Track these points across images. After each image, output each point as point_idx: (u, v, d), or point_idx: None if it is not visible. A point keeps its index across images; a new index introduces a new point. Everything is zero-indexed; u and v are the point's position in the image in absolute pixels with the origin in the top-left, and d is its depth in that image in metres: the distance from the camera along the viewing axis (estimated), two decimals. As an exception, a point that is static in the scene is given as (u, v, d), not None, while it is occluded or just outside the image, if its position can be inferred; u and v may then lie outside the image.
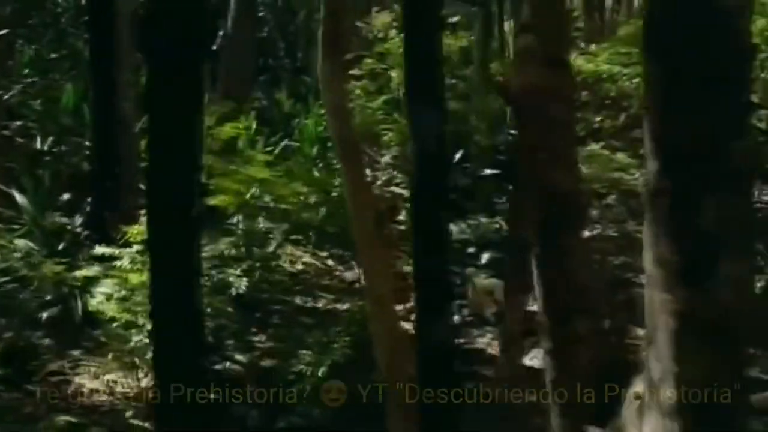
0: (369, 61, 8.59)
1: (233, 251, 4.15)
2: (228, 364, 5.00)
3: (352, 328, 4.10)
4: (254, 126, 9.38)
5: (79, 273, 4.43)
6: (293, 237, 7.67)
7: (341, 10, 3.79)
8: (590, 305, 3.22)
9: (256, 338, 5.25)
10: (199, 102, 2.45)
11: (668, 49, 2.02)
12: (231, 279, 4.12)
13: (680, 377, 2.09)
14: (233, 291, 4.11)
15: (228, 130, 4.64)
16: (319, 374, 3.90)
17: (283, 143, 9.14)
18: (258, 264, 4.18)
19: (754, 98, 9.45)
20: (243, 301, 4.81)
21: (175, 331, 2.44)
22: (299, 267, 7.03)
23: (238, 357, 5.00)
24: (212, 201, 4.34)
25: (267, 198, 4.28)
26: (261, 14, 16.90)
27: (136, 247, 4.11)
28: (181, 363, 2.46)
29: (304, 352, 4.08)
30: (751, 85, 2.07)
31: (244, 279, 4.08)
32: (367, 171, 8.64)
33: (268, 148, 8.72)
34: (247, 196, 4.29)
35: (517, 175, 7.87)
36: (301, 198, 4.39)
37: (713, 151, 1.97)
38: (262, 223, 4.20)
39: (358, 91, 8.39)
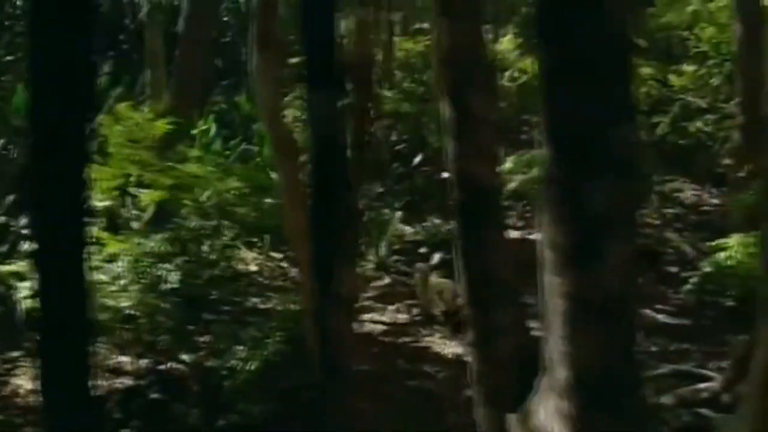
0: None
1: (169, 247, 4.15)
2: (171, 364, 4.99)
3: (287, 323, 4.11)
4: (213, 129, 9.42)
5: (7, 269, 4.39)
6: (248, 239, 7.72)
7: (274, 4, 3.82)
8: (513, 297, 3.30)
9: (202, 338, 5.24)
10: (87, 97, 2.33)
11: (556, 42, 2.09)
12: (164, 274, 4.11)
13: (573, 358, 2.16)
14: (166, 286, 4.10)
15: (161, 125, 4.63)
16: (251, 369, 3.91)
17: (241, 146, 9.18)
18: (195, 261, 4.18)
19: (702, 103, 9.73)
20: (193, 302, 4.81)
21: (60, 348, 2.27)
22: (253, 268, 7.05)
23: (183, 356, 5.00)
24: (146, 197, 4.35)
25: (205, 195, 4.29)
26: (225, 19, 16.90)
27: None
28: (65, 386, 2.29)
29: (239, 348, 4.09)
30: (632, 75, 2.16)
31: (176, 274, 4.08)
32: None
33: (227, 152, 8.77)
34: (184, 193, 4.29)
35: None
36: (236, 194, 4.40)
37: (597, 138, 2.05)
38: (195, 221, 4.21)
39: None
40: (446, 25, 3.00)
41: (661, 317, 6.21)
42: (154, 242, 4.11)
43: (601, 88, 2.04)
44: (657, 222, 8.77)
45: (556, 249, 2.16)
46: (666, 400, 4.70)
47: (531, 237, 8.80)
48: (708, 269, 5.92)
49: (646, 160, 9.61)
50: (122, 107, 4.92)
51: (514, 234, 8.43)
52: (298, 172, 3.81)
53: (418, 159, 9.14)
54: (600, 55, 2.03)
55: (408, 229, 7.97)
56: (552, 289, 2.19)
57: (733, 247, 5.53)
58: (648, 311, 6.32)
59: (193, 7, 8.85)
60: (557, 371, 2.23)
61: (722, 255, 5.72)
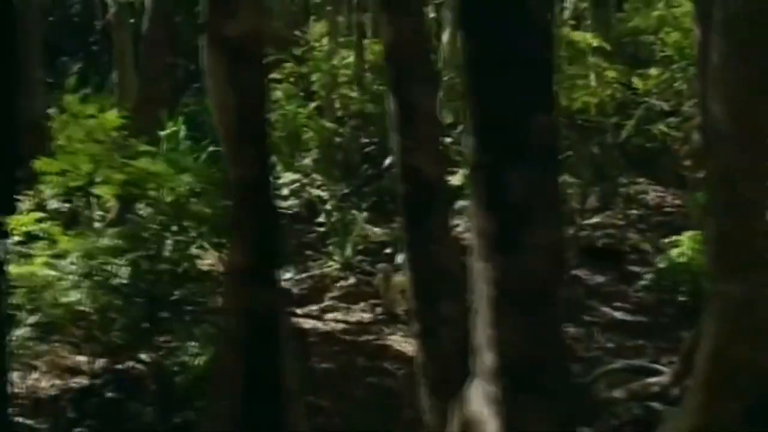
0: (288, 64, 8.66)
1: (122, 244, 4.13)
2: (129, 363, 4.97)
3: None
4: (182, 130, 9.43)
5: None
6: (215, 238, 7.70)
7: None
8: (458, 289, 3.34)
9: (161, 337, 5.22)
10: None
11: (478, 32, 2.14)
12: (113, 269, 4.09)
13: (498, 342, 2.20)
14: (118, 281, 4.08)
15: (112, 119, 4.60)
16: (200, 365, 3.90)
17: (210, 148, 9.21)
18: (151, 257, 4.16)
19: (666, 106, 9.90)
20: (152, 300, 4.79)
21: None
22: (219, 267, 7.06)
23: (141, 355, 4.98)
24: (96, 191, 4.32)
25: (156, 190, 4.28)
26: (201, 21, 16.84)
27: (16, 238, 4.06)
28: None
29: (192, 344, 4.08)
30: (553, 65, 2.21)
31: (127, 270, 4.06)
32: (290, 174, 8.72)
33: (195, 154, 8.78)
34: (138, 189, 4.28)
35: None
36: (190, 190, 4.39)
37: (518, 126, 2.10)
38: (150, 217, 4.19)
39: (279, 94, 8.45)
40: (388, 20, 3.04)
41: (619, 314, 6.30)
42: (108, 238, 4.09)
43: (522, 77, 2.09)
44: (621, 223, 8.89)
45: (481, 235, 2.20)
46: (618, 393, 4.78)
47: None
48: (661, 265, 6.02)
49: (611, 163, 9.78)
50: (75, 103, 4.89)
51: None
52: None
53: (388, 161, 9.18)
54: (521, 45, 2.08)
55: (375, 230, 8.01)
56: (479, 274, 2.23)
57: (685, 244, 5.63)
58: (606, 309, 6.42)
59: (156, 8, 8.82)
60: (485, 356, 2.27)
61: (675, 252, 5.82)
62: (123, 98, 9.26)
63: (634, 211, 9.21)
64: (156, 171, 4.27)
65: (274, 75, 8.84)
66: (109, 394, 4.83)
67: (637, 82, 9.51)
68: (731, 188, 4.23)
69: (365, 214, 7.84)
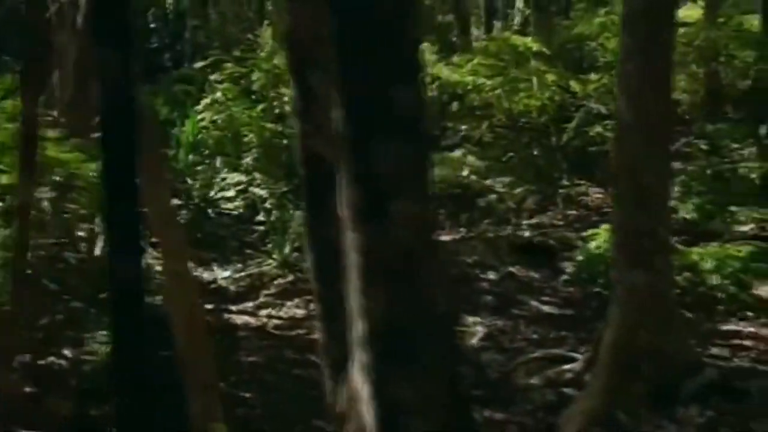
0: (229, 65, 8.69)
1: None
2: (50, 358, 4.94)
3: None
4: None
5: None
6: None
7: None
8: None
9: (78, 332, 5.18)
10: None
11: (342, 3, 2.22)
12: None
13: (367, 311, 2.27)
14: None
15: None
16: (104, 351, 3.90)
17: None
18: (61, 244, 4.14)
19: (603, 109, 10.17)
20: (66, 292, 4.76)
21: None
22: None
23: (65, 351, 4.95)
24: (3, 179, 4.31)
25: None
26: (152, 26, 16.79)
27: None
28: None
29: (102, 333, 4.07)
30: (417, 39, 2.29)
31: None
32: (228, 173, 8.74)
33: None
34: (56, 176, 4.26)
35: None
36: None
37: (381, 98, 2.17)
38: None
39: (219, 95, 8.47)
40: (289, 5, 3.10)
41: (546, 308, 6.45)
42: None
43: (384, 50, 2.17)
44: (560, 223, 9.08)
45: (349, 206, 2.27)
46: (535, 381, 4.90)
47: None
48: (580, 258, 6.19)
49: (552, 165, 10.01)
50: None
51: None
52: (158, 152, 3.84)
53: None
54: (384, 17, 2.16)
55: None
56: (349, 244, 2.30)
57: (602, 236, 5.80)
58: (535, 303, 6.56)
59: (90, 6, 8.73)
60: (356, 325, 2.34)
61: (593, 244, 6.00)
62: (64, 98, 9.16)
63: (574, 212, 9.42)
64: (65, 159, 4.25)
65: (215, 76, 8.87)
66: (27, 389, 4.77)
67: (574, 85, 9.74)
68: (635, 179, 4.41)
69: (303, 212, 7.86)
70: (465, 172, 8.06)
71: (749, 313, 5.53)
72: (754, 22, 10.42)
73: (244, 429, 4.48)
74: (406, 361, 2.28)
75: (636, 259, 4.38)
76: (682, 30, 9.69)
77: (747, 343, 5.38)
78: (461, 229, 8.69)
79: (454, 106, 11.01)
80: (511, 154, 9.62)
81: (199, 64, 9.78)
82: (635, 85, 4.36)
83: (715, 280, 5.31)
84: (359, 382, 2.39)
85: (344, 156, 2.24)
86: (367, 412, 2.37)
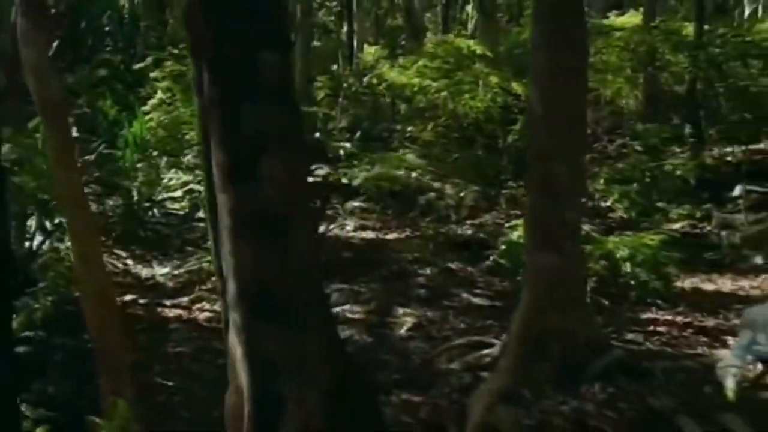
0: (168, 63, 8.69)
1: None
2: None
3: (58, 286, 4.12)
4: (73, 132, 9.34)
5: None
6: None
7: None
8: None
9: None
10: None
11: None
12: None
13: (237, 271, 2.34)
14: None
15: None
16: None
17: (99, 149, 9.15)
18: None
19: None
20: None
21: None
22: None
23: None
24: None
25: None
26: (107, 28, 16.69)
27: None
28: None
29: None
30: (285, 6, 2.38)
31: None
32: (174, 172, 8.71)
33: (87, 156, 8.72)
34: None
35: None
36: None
37: (246, 62, 2.26)
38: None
39: (160, 94, 8.47)
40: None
41: (477, 300, 6.58)
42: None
43: (249, 15, 2.25)
44: (502, 221, 9.25)
45: (219, 167, 2.34)
46: (454, 365, 5.00)
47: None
48: (502, 247, 6.34)
49: (496, 165, 10.19)
50: None
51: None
52: (68, 135, 3.86)
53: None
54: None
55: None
56: (221, 206, 2.37)
57: (523, 226, 5.94)
58: (467, 295, 6.69)
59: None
60: (229, 284, 2.41)
61: (515, 234, 6.15)
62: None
63: (517, 212, 9.60)
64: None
65: (155, 74, 8.87)
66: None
67: (517, 88, 9.95)
68: (546, 167, 4.56)
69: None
70: (406, 172, 8.16)
71: (659, 301, 5.72)
72: (690, 28, 10.78)
73: (162, 413, 4.50)
74: (276, 318, 2.36)
75: (545, 243, 4.51)
76: (618, 34, 10.04)
77: (661, 329, 5.57)
78: (406, 229, 8.83)
79: (402, 108, 11.19)
80: (456, 155, 9.80)
81: (139, 65, 9.76)
82: (546, 78, 4.52)
83: (628, 267, 5.49)
84: (234, 343, 2.46)
85: (213, 118, 2.31)
86: (242, 371, 2.44)
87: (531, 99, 4.68)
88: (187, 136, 8.18)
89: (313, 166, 7.65)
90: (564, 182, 4.51)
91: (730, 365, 4.20)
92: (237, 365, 2.46)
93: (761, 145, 9.90)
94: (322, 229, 8.15)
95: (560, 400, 4.13)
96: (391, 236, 9.05)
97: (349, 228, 9.50)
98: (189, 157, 8.02)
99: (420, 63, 10.15)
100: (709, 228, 8.44)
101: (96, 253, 3.99)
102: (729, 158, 9.60)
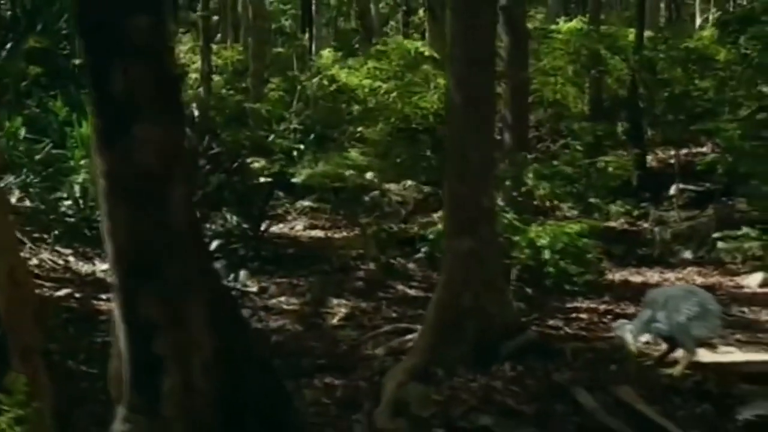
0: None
1: None
2: None
3: None
4: (22, 131, 9.33)
5: None
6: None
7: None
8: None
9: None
10: None
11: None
12: None
13: (112, 232, 2.41)
14: None
15: None
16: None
17: (47, 149, 9.14)
18: None
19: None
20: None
21: None
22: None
23: None
24: None
25: None
26: (64, 31, 16.60)
27: None
28: None
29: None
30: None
31: None
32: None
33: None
34: None
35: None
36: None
37: (116, 25, 2.33)
38: None
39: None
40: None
41: (412, 291, 6.70)
42: None
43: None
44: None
45: (95, 131, 2.41)
46: (379, 351, 5.09)
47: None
48: (431, 237, 6.48)
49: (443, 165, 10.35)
50: None
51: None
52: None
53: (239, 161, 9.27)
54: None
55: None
56: (98, 170, 2.44)
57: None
58: (402, 287, 6.81)
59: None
60: (107, 246, 2.48)
61: (440, 226, 6.28)
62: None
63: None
64: None
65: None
66: None
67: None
68: (462, 154, 4.70)
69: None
70: (350, 170, 8.27)
71: (576, 288, 5.88)
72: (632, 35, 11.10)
73: (82, 398, 4.51)
74: (153, 280, 2.42)
75: (462, 228, 4.65)
76: (560, 36, 10.30)
77: (583, 315, 5.73)
78: (355, 228, 8.93)
79: (354, 108, 11.31)
80: (403, 154, 9.94)
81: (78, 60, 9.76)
82: (462, 69, 4.66)
83: (547, 254, 5.65)
84: (115, 305, 2.52)
85: (87, 83, 2.38)
86: (120, 333, 2.50)
87: (449, 89, 4.82)
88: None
89: (249, 159, 7.76)
90: (478, 168, 4.66)
91: (627, 330, 4.37)
92: (116, 328, 2.52)
93: (699, 149, 10.24)
94: (264, 226, 8.25)
95: (471, 377, 4.24)
96: (339, 235, 9.15)
97: (299, 227, 9.58)
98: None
99: (369, 64, 10.29)
100: (645, 225, 8.70)
101: (9, 239, 4.00)
102: (670, 160, 9.91)
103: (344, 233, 9.06)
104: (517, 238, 5.76)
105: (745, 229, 6.78)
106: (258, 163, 7.52)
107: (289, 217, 9.84)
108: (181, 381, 2.51)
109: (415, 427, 3.86)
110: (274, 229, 9.13)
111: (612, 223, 8.71)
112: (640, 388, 4.00)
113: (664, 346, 4.48)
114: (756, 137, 7.14)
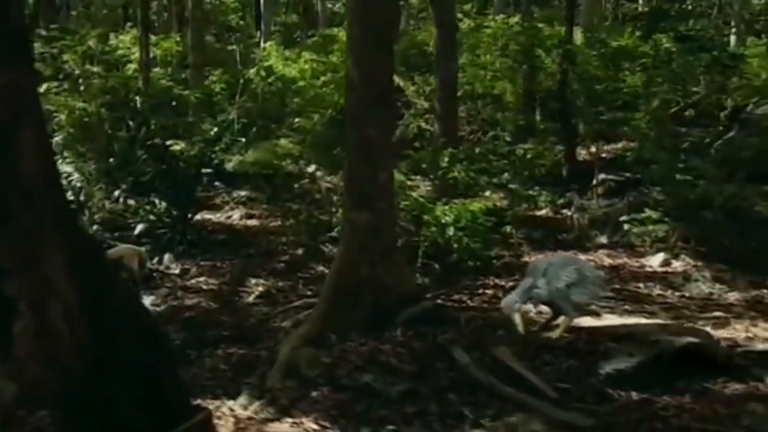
0: (37, 44, 8.70)
1: None
2: None
3: None
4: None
5: None
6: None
7: None
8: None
9: None
10: None
11: None
12: None
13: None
14: None
15: None
16: None
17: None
18: None
19: (427, 105, 10.88)
20: None
21: None
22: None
23: None
24: None
25: None
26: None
27: None
28: None
29: None
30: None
31: None
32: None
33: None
34: None
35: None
36: None
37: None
38: None
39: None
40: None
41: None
42: None
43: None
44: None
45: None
46: (286, 323, 5.25)
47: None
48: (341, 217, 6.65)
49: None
50: None
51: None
52: None
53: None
54: None
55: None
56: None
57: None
58: (321, 267, 6.97)
59: None
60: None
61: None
62: None
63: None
64: None
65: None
66: None
67: (398, 81, 10.36)
68: (360, 130, 4.89)
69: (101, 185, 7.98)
70: (280, 158, 8.39)
71: (478, 263, 6.11)
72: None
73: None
74: (4, 221, 2.52)
75: (359, 202, 4.83)
76: (488, 32, 10.60)
77: (489, 291, 5.97)
78: (291, 217, 9.06)
79: (294, 101, 11.44)
80: (337, 145, 10.09)
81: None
82: (359, 48, 4.86)
83: (451, 231, 5.87)
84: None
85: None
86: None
87: (347, 67, 5.00)
88: (56, 119, 8.19)
89: (170, 142, 7.84)
90: (376, 145, 4.85)
91: (511, 302, 4.60)
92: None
93: (622, 143, 10.63)
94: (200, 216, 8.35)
95: (362, 342, 4.43)
96: (275, 224, 9.26)
97: (235, 217, 9.67)
98: (58, 139, 8.04)
99: (306, 56, 10.44)
100: (568, 213, 9.02)
101: None
102: (603, 154, 10.27)
103: (279, 222, 9.19)
104: (426, 216, 5.97)
105: (648, 212, 7.09)
106: (178, 146, 7.58)
107: (227, 207, 9.93)
108: (36, 324, 2.62)
109: (303, 386, 4.03)
110: (210, 218, 9.23)
111: (538, 212, 9.02)
112: (518, 348, 4.24)
113: (547, 310, 4.72)
114: (658, 125, 7.48)
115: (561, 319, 4.52)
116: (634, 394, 3.76)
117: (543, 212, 9.25)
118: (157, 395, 3.20)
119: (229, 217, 9.63)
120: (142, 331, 3.21)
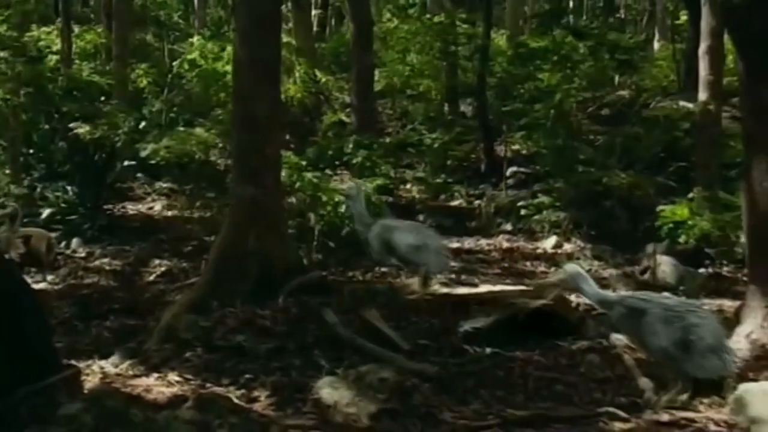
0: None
1: None
2: None
3: None
4: None
5: None
6: None
7: None
8: None
9: None
10: None
11: None
12: None
13: None
14: None
15: None
16: None
17: None
18: None
19: (348, 99, 11.12)
20: None
21: None
22: None
23: None
24: None
25: None
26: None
27: None
28: None
29: None
30: None
31: None
32: None
33: None
34: None
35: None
36: None
37: None
38: None
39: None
40: None
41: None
42: None
43: None
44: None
45: None
46: (180, 297, 5.34)
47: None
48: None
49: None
50: None
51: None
52: None
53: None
54: None
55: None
56: None
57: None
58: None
59: None
60: None
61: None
62: None
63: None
64: None
65: None
66: None
67: (321, 76, 10.56)
68: (247, 105, 5.06)
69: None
70: (193, 145, 8.43)
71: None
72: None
73: None
74: None
75: (246, 176, 5.00)
76: (405, 29, 10.91)
77: (384, 269, 6.18)
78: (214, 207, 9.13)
79: (220, 95, 11.50)
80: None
81: None
82: (246, 27, 5.04)
83: (344, 209, 6.08)
84: None
85: None
86: None
87: (235, 45, 5.17)
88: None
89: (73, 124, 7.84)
90: (263, 121, 5.03)
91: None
92: None
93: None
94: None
95: (242, 309, 4.58)
96: (197, 215, 9.30)
97: (157, 208, 9.67)
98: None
99: (228, 49, 10.50)
100: (479, 202, 9.36)
101: None
102: (523, 151, 10.66)
103: (200, 213, 9.24)
104: (322, 196, 6.16)
105: (541, 198, 7.46)
106: (82, 129, 7.59)
107: (149, 198, 9.93)
108: None
109: (178, 347, 4.16)
110: (130, 207, 9.23)
111: (453, 203, 9.35)
112: (388, 311, 4.46)
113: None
114: (559, 117, 7.88)
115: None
116: (488, 350, 4.03)
117: (457, 203, 9.58)
118: (22, 349, 3.31)
119: (151, 208, 9.64)
120: (3, 288, 3.33)
